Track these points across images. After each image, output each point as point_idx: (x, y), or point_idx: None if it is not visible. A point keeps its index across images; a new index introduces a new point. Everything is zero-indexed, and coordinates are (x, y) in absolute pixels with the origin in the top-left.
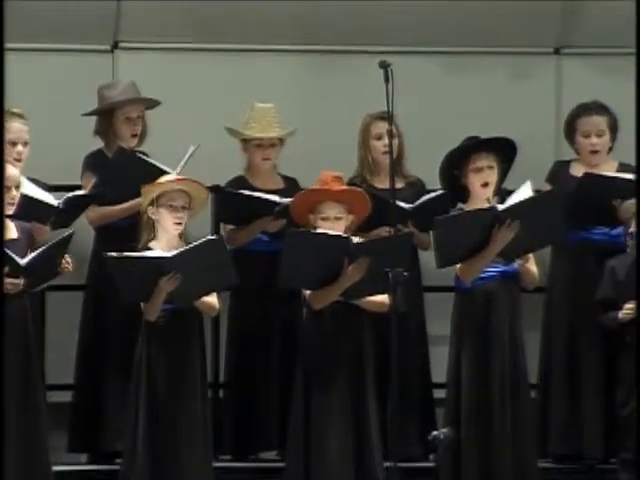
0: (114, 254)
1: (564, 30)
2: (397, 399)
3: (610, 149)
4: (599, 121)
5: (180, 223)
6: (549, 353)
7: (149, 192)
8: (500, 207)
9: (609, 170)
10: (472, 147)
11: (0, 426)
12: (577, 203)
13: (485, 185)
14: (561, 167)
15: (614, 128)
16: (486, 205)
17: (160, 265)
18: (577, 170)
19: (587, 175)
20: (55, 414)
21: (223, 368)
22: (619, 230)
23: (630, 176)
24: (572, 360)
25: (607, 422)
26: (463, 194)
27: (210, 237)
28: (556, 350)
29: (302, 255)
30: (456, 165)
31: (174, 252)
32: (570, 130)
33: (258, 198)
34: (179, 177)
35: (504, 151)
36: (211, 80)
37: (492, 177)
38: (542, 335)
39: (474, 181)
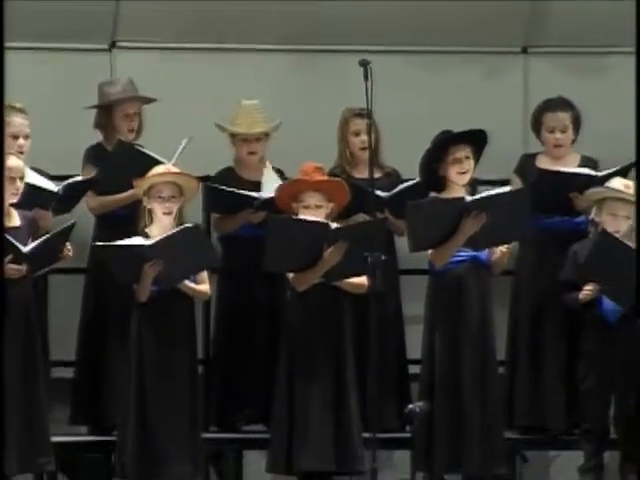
0: (100, 244)
1: (531, 30)
2: (375, 375)
3: (573, 141)
4: (563, 117)
5: (170, 212)
6: (515, 333)
7: (140, 185)
8: (469, 198)
9: (572, 162)
10: (452, 139)
11: (1, 410)
12: (537, 196)
13: (464, 173)
14: (528, 160)
15: (577, 123)
16: (459, 194)
17: (141, 252)
18: (542, 162)
19: (542, 171)
20: (58, 388)
21: (211, 345)
22: (581, 218)
23: (585, 170)
24: (537, 339)
25: (569, 396)
26: (440, 184)
27: (185, 225)
28: (522, 330)
29: (284, 240)
30: (436, 158)
31: (152, 241)
32: (536, 123)
33: (239, 194)
34: (169, 170)
35: (477, 142)
36: (203, 77)
37: (470, 166)
38: (509, 316)
39: (452, 171)
